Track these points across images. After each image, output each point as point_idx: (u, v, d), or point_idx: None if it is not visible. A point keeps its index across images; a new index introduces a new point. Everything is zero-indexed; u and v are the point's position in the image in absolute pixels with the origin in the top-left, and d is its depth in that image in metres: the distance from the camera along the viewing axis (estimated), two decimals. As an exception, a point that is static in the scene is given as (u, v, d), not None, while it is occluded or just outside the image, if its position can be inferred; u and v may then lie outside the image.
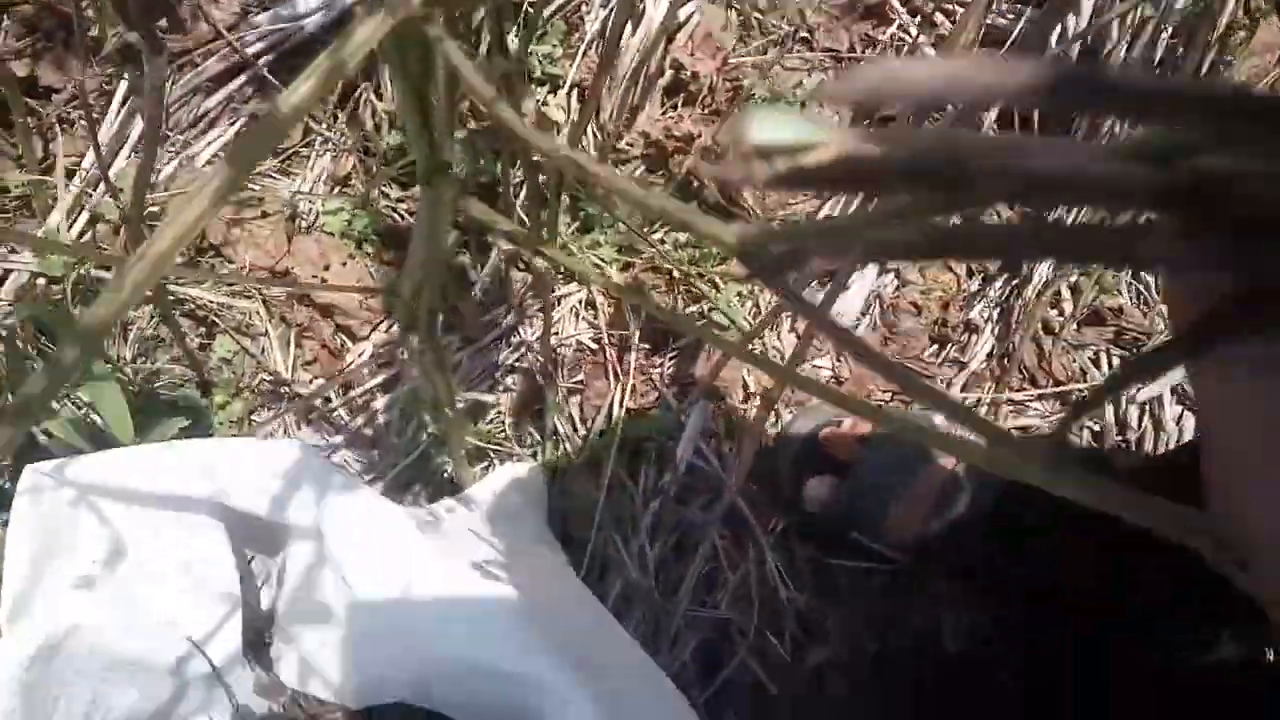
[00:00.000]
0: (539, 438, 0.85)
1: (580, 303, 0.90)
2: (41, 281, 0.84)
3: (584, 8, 1.00)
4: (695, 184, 0.93)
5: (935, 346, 0.93)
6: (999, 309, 0.93)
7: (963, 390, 0.90)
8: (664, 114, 0.95)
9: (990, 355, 0.92)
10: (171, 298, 0.84)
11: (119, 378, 0.79)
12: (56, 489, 0.56)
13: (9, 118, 0.87)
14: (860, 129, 0.15)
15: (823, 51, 0.97)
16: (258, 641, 0.65)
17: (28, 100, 0.88)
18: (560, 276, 0.89)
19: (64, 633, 0.54)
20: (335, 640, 0.60)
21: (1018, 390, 0.91)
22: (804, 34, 0.97)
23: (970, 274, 0.95)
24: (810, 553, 0.84)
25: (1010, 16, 0.95)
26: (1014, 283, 0.93)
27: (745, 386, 0.88)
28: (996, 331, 0.92)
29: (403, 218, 0.90)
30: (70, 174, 0.88)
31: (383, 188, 0.90)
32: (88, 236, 0.87)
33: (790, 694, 0.79)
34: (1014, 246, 0.15)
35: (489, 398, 0.82)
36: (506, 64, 0.44)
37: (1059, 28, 0.89)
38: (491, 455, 0.84)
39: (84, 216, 0.87)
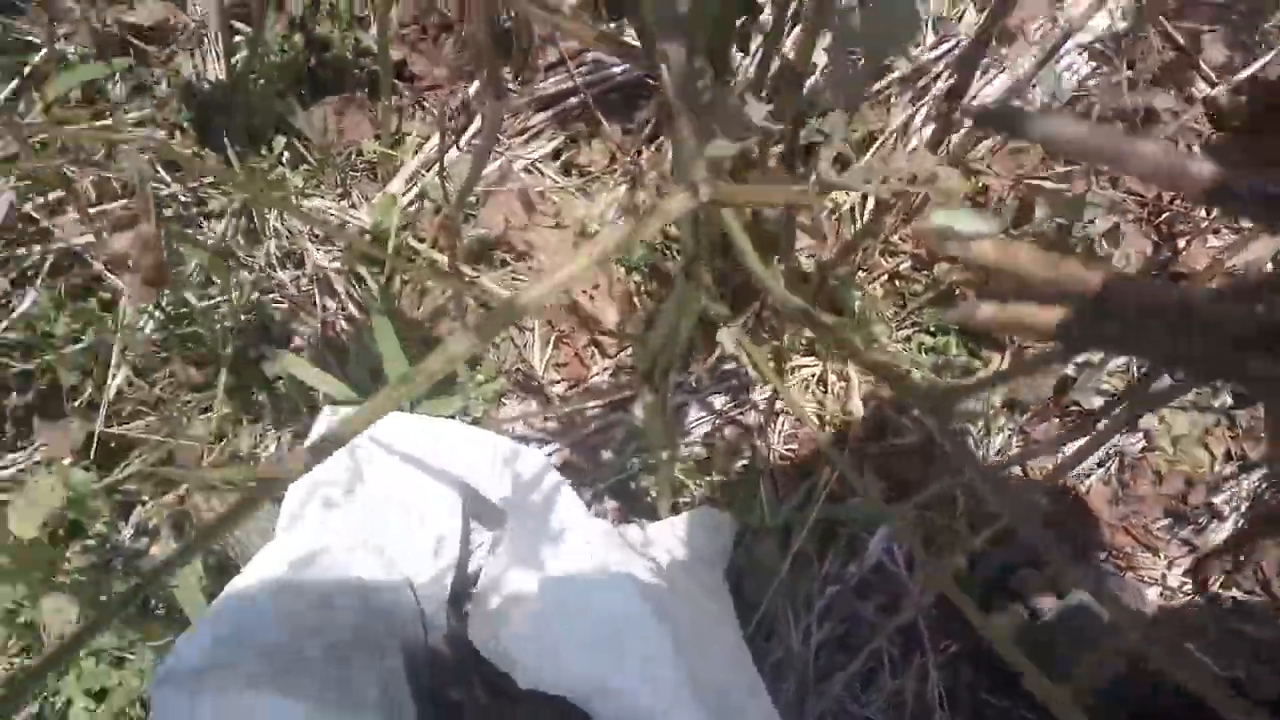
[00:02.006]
0: (739, 493, 0.89)
1: (813, 377, 0.93)
2: (368, 238, 0.98)
3: (893, 98, 1.03)
4: (959, 294, 0.93)
5: (1168, 520, 0.89)
6: (1251, 501, 0.87)
7: (1184, 574, 0.86)
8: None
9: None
10: (467, 279, 0.95)
11: (406, 336, 0.91)
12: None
13: (378, 91, 1.03)
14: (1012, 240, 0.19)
15: (1127, 193, 0.95)
16: (460, 597, 0.74)
17: (395, 81, 1.04)
18: (801, 348, 0.92)
19: (317, 550, 0.65)
20: (523, 621, 0.67)
21: (1248, 592, 0.85)
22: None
23: (1229, 457, 0.89)
24: (976, 682, 0.84)
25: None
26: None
27: (956, 504, 0.88)
28: (1241, 524, 0.86)
29: (672, 258, 0.97)
30: (413, 153, 1.02)
31: (664, 228, 0.97)
32: (414, 208, 1.00)
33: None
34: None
35: (701, 451, 0.87)
36: (791, 177, 0.49)
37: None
38: (693, 495, 0.89)
39: (415, 190, 1.00)
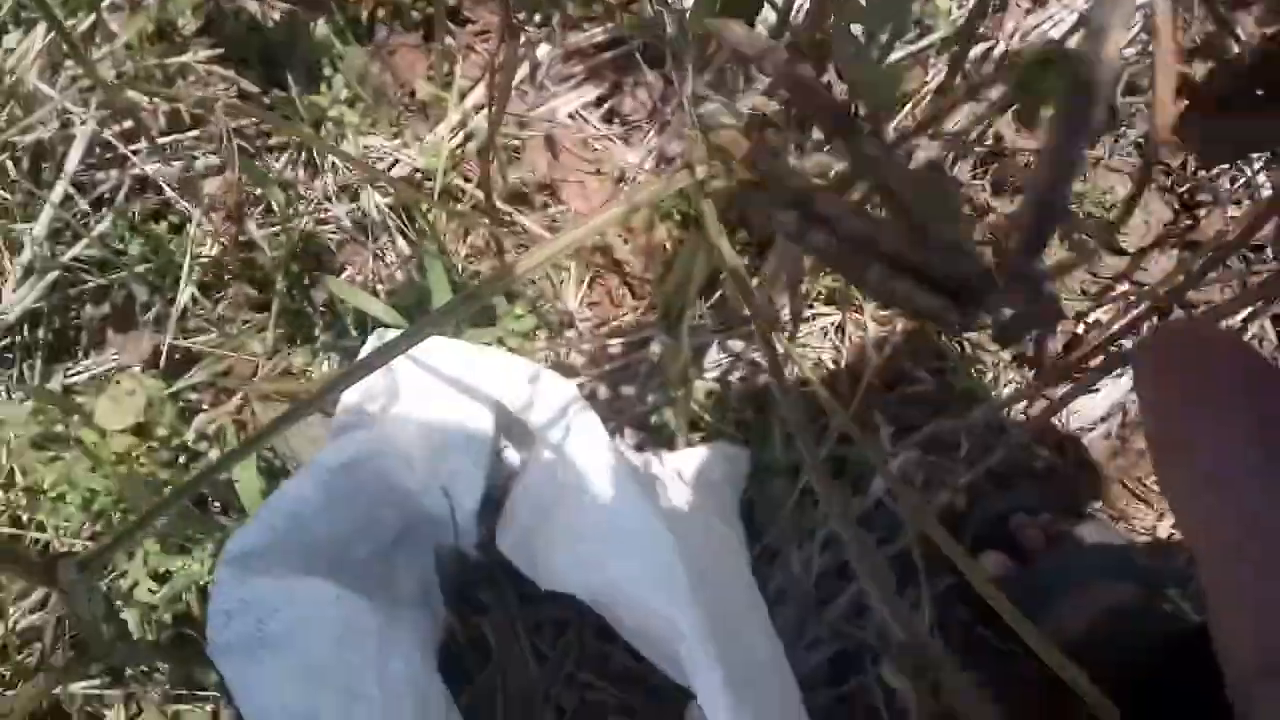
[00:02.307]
0: (754, 429, 0.94)
1: (832, 325, 0.98)
2: (418, 176, 1.04)
3: (931, 61, 1.06)
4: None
5: (1163, 476, 0.93)
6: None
7: (1174, 526, 0.90)
8: (973, 177, 1.00)
9: (1218, 504, 0.90)
10: (507, 218, 1.01)
11: (450, 269, 0.97)
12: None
13: (432, 35, 1.08)
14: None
15: (1154, 161, 0.97)
16: (489, 507, 0.80)
17: (449, 25, 1.08)
18: (820, 298, 0.97)
19: (363, 459, 0.72)
20: (546, 531, 0.74)
21: (1234, 547, 0.89)
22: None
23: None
24: (966, 617, 0.89)
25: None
26: None
27: (959, 449, 0.93)
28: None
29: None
30: (461, 95, 1.07)
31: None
32: (461, 149, 1.05)
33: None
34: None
35: (715, 387, 0.93)
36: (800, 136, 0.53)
37: None
38: (708, 429, 0.95)
39: (462, 133, 1.06)
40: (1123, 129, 0.96)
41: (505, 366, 0.77)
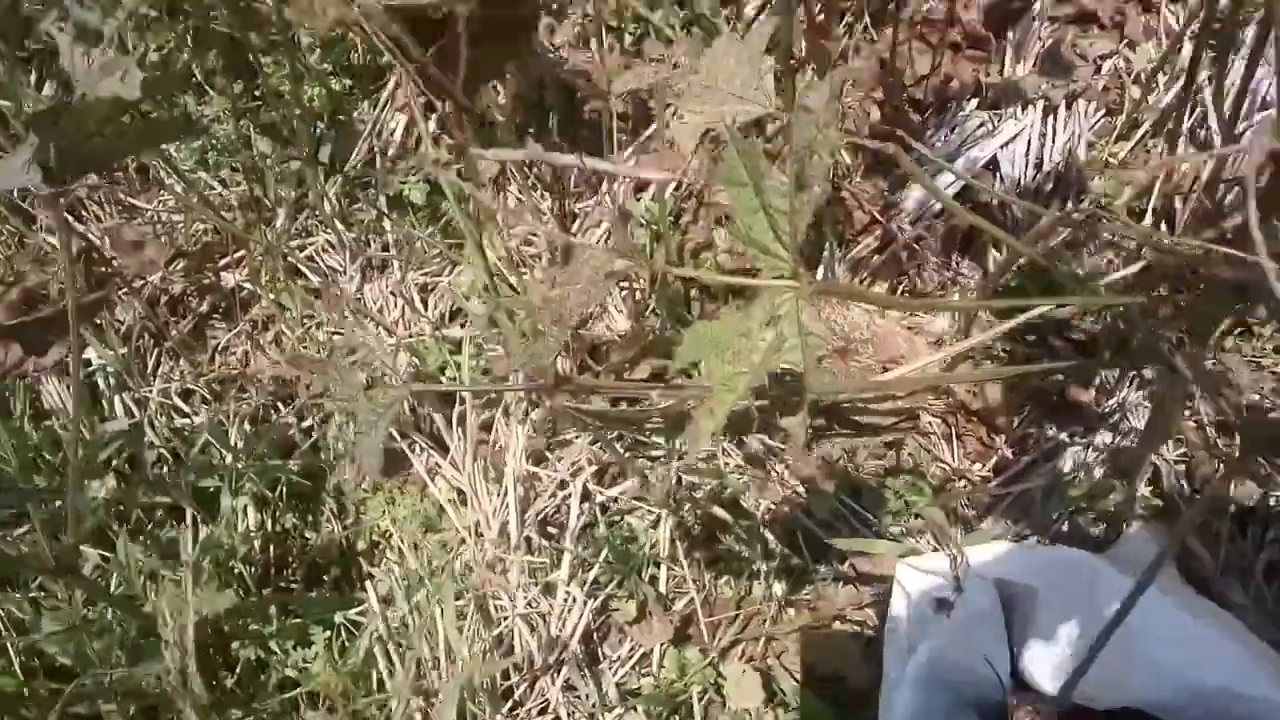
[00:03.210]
0: (1159, 506, 1.13)
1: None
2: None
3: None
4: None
5: None
6: None
7: None
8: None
9: None
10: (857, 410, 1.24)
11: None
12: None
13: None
14: None
15: None
16: (1017, 665, 1.00)
17: None
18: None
19: (937, 651, 0.94)
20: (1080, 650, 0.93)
21: None
22: None
23: None
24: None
25: None
26: None
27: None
28: None
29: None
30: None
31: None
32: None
33: None
34: None
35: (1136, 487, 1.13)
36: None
37: None
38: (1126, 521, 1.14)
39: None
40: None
41: (991, 552, 0.99)
